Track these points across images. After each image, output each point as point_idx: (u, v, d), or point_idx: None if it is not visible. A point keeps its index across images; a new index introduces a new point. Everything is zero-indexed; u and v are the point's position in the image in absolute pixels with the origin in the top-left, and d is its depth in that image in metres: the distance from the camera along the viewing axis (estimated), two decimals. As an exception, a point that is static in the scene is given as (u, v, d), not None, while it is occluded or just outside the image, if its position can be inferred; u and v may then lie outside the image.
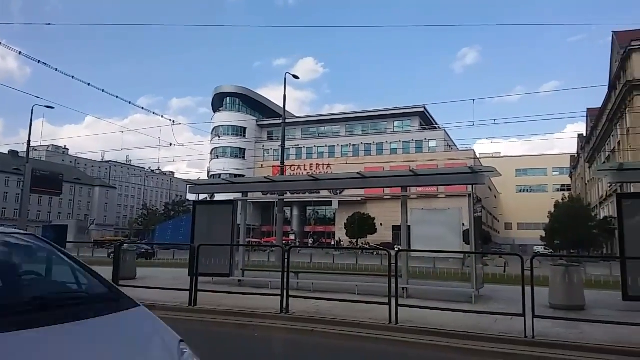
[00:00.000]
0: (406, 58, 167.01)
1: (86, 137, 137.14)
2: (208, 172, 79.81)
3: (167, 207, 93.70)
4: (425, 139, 71.22)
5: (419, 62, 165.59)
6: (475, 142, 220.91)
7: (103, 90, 20.50)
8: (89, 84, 19.78)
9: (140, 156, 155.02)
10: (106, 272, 11.56)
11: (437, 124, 74.98)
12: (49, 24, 19.62)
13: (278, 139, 58.79)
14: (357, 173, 12.68)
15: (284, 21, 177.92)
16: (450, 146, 71.94)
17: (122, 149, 55.36)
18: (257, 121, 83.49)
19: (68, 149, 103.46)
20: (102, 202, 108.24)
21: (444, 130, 70.17)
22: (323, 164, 71.06)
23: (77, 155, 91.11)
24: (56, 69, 17.77)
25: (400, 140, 71.92)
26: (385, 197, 55.36)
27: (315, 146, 77.22)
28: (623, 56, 37.31)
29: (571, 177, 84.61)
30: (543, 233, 49.70)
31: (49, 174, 48.25)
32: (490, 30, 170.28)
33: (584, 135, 65.99)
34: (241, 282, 12.92)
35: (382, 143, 72.53)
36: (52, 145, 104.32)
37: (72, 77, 18.80)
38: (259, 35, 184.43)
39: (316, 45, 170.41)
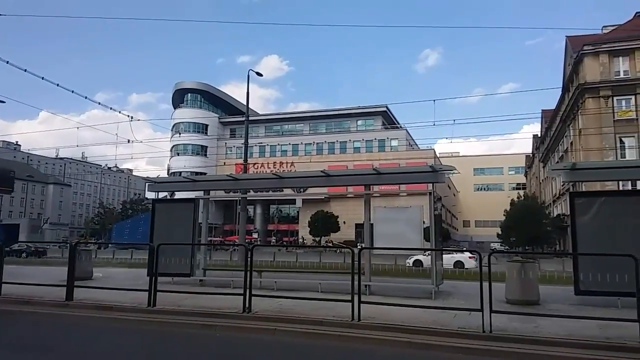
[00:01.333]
0: (370, 58, 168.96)
1: (40, 133, 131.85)
2: (168, 170, 78.12)
3: (124, 205, 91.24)
4: (388, 138, 72.07)
5: (383, 62, 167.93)
6: (436, 142, 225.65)
7: (58, 85, 19.67)
8: (42, 78, 18.90)
9: (97, 153, 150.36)
10: (60, 272, 11.17)
11: (399, 124, 76.08)
12: (0, 15, 18.66)
13: (241, 136, 58.24)
14: (321, 171, 12.70)
15: (248, 18, 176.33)
16: (411, 145, 73.14)
17: (77, 146, 53.35)
18: (219, 118, 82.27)
19: (20, 145, 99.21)
20: (57, 200, 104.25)
21: (406, 129, 71.27)
22: (286, 162, 70.82)
23: (29, 152, 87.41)
24: (7, 62, 16.89)
25: (363, 139, 72.51)
26: (349, 196, 55.73)
27: (278, 144, 76.84)
28: (576, 60, 38.80)
29: (526, 176, 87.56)
30: (499, 230, 51.23)
31: (0, 171, 46.22)
32: (452, 32, 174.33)
33: (539, 135, 68.40)
34: (202, 281, 12.73)
35: (346, 142, 72.95)
36: (3, 141, 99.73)
37: (25, 70, 17.90)
38: (222, 31, 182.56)
39: (281, 43, 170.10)
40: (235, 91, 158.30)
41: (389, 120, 76.77)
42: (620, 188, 27.81)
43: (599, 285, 9.31)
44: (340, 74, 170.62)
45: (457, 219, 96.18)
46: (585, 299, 9.49)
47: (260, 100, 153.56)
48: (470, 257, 25.46)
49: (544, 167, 61.28)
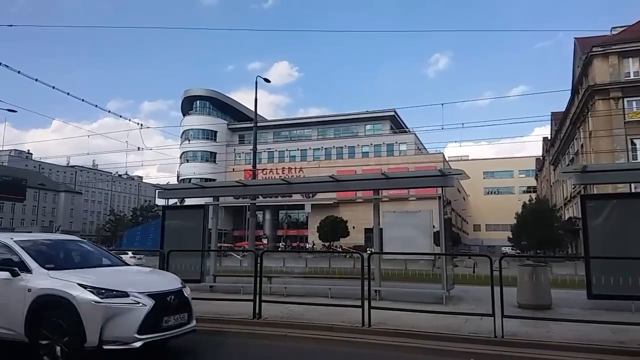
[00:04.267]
0: (380, 63, 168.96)
1: (52, 142, 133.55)
2: (178, 177, 78.61)
3: (135, 212, 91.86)
4: (396, 142, 71.98)
5: (393, 66, 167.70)
6: (446, 146, 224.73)
7: (68, 94, 20.07)
8: (53, 87, 19.20)
9: (108, 161, 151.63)
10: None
11: (407, 128, 75.97)
12: (11, 26, 18.99)
13: (250, 142, 58.37)
14: (330, 176, 12.70)
15: (258, 25, 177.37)
16: (420, 149, 72.95)
17: (88, 154, 53.79)
18: (228, 124, 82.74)
19: (32, 154, 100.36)
20: (68, 208, 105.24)
21: (414, 133, 71.10)
22: (295, 168, 71.00)
23: (41, 160, 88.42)
24: (19, 72, 17.15)
25: (371, 144, 72.46)
26: (358, 200, 55.72)
27: (287, 150, 77.10)
28: (585, 62, 38.51)
29: (537, 179, 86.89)
30: (510, 234, 50.83)
31: (12, 179, 46.74)
32: (462, 36, 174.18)
33: (549, 138, 67.88)
34: (213, 288, 12.75)
35: (354, 146, 72.93)
36: (15, 149, 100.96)
37: (36, 79, 18.17)
38: (233, 38, 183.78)
39: (291, 50, 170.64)
40: (245, 97, 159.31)
41: (397, 125, 76.69)
42: (633, 190, 27.52)
43: (612, 289, 9.18)
44: (350, 79, 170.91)
45: (467, 223, 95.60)
46: (598, 303, 9.38)
47: (271, 107, 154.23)
48: (130, 257, 30.76)
49: (554, 169, 60.76)
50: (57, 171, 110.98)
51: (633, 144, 34.86)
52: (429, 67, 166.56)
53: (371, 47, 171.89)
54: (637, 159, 33.64)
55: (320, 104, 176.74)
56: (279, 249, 57.70)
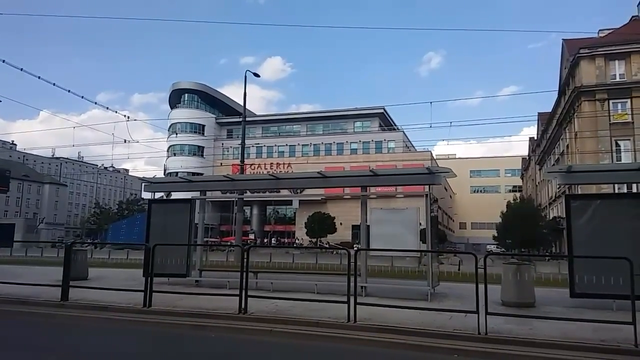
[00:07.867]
0: (374, 60, 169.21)
1: (38, 133, 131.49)
2: (165, 170, 77.95)
3: (120, 205, 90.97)
4: (385, 139, 72.14)
5: (386, 64, 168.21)
6: (436, 144, 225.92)
7: (54, 84, 19.61)
8: (39, 77, 18.83)
9: (94, 153, 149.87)
10: (56, 272, 11.13)
11: (396, 126, 76.15)
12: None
13: (238, 137, 58.13)
14: (318, 172, 12.68)
15: (251, 19, 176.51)
16: (408, 147, 73.20)
17: (74, 145, 52.55)
18: (216, 119, 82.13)
19: (16, 145, 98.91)
20: (52, 200, 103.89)
21: (403, 131, 71.35)
22: (283, 163, 70.80)
23: (25, 151, 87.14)
24: (3, 61, 16.81)
25: (360, 141, 72.54)
26: (345, 197, 55.88)
27: (275, 145, 76.78)
28: (572, 63, 38.94)
29: (522, 179, 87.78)
30: (495, 232, 51.29)
31: (-5, 170, 46.08)
32: (456, 35, 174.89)
33: (535, 138, 68.58)
34: (198, 282, 12.69)
35: (343, 143, 72.96)
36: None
37: (22, 69, 17.83)
38: (226, 32, 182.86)
39: (284, 45, 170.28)
40: (237, 92, 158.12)
41: (386, 122, 76.85)
42: (616, 191, 27.94)
43: (594, 288, 9.32)
44: (343, 77, 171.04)
45: (453, 220, 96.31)
46: (581, 302, 9.51)
47: (263, 102, 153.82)
48: None
49: (540, 169, 61.43)
50: (42, 162, 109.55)
51: (617, 145, 35.39)
52: (422, 66, 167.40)
53: (366, 44, 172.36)
54: (621, 160, 34.15)
55: (313, 100, 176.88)
56: (272, 244, 57.67)
